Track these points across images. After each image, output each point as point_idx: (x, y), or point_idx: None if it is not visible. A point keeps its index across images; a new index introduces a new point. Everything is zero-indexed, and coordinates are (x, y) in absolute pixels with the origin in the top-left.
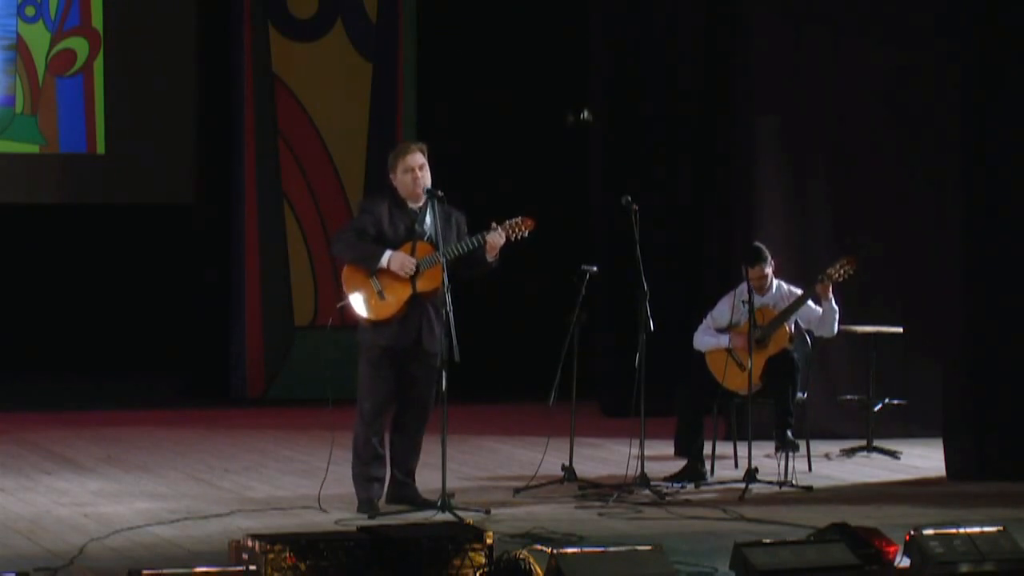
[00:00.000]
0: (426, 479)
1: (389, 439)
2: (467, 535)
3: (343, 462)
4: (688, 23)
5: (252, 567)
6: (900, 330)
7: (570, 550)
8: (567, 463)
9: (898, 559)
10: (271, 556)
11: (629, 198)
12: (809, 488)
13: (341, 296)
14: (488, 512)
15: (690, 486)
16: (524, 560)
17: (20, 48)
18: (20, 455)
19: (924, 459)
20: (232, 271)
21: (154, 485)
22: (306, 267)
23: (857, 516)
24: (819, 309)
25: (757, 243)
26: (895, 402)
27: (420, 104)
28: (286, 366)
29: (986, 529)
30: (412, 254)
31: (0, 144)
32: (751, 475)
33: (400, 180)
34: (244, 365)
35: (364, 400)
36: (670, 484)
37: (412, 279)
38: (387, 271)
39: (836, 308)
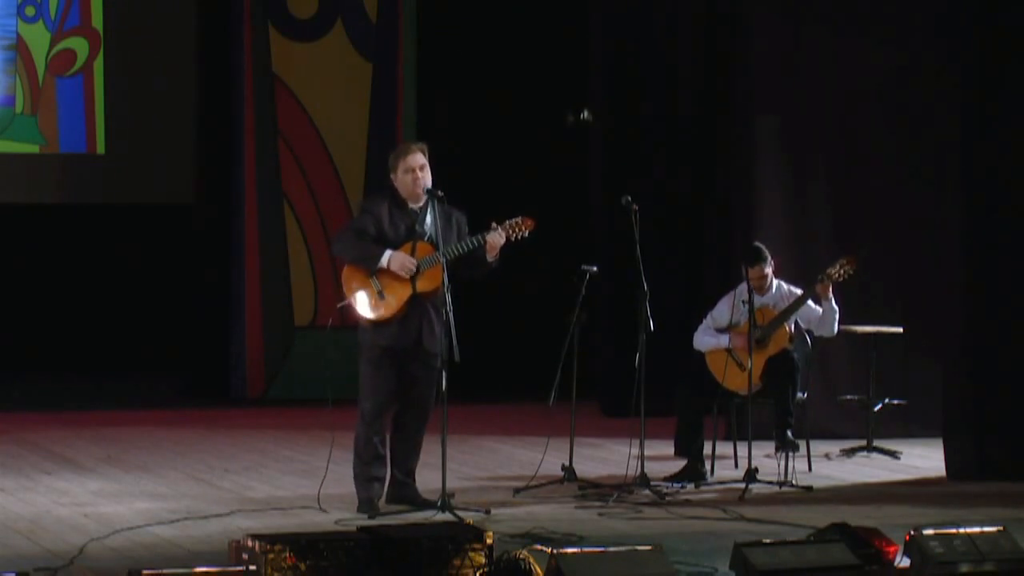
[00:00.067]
0: (426, 479)
1: (389, 439)
2: (467, 535)
3: (343, 462)
4: (688, 23)
5: (252, 567)
6: (900, 330)
7: (570, 550)
8: (567, 463)
9: (898, 559)
10: (271, 556)
11: (629, 198)
12: (809, 488)
13: (341, 296)
14: (488, 512)
15: (690, 486)
16: (524, 560)
17: (20, 48)
18: (20, 455)
19: (924, 459)
20: (232, 271)
21: (154, 485)
22: (306, 267)
23: (857, 516)
24: (819, 309)
25: (757, 243)
26: (895, 402)
27: (420, 104)
28: (286, 366)
29: (986, 529)
30: (412, 254)
31: (0, 144)
32: (751, 475)
33: (401, 180)
34: (244, 365)
35: (365, 400)
36: (670, 484)
37: (412, 279)
38: (387, 271)
39: (836, 308)
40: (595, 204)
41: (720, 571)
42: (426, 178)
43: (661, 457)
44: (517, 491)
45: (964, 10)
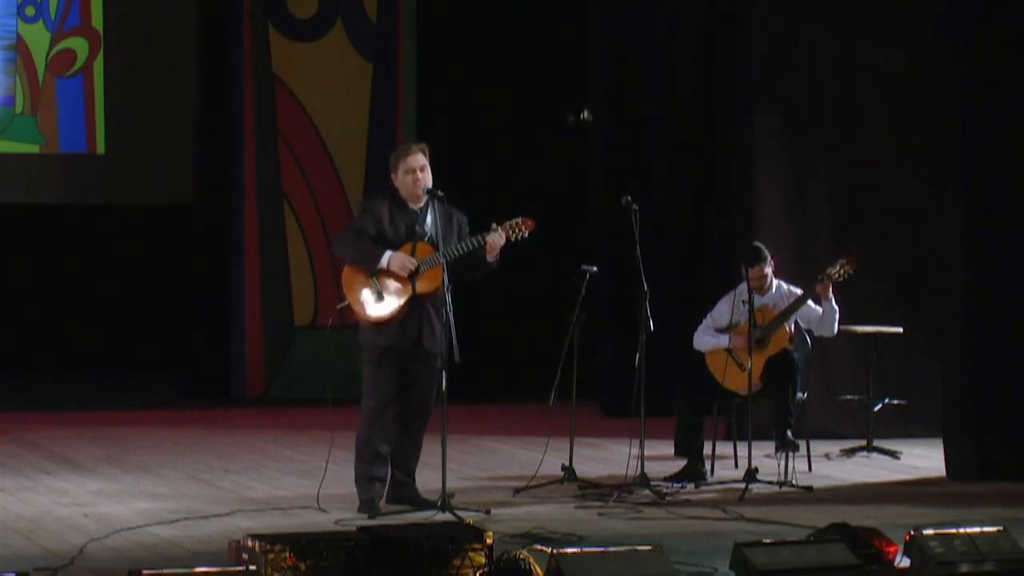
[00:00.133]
0: (426, 479)
1: (390, 439)
2: (467, 535)
3: (342, 462)
4: (688, 23)
5: (252, 567)
6: (900, 330)
7: (570, 550)
8: (567, 463)
9: (898, 559)
10: (271, 556)
11: (629, 198)
12: (809, 488)
13: (341, 296)
14: (488, 512)
15: (690, 486)
16: (524, 560)
17: (20, 48)
18: (20, 455)
19: (924, 459)
20: (232, 271)
21: (154, 485)
22: (306, 267)
23: (857, 516)
24: (819, 309)
25: (757, 243)
26: (895, 402)
27: (420, 104)
28: (286, 366)
29: (986, 529)
30: (412, 255)
31: (0, 144)
32: (751, 475)
33: (401, 181)
34: (244, 365)
35: (367, 400)
36: (670, 484)
37: (412, 280)
38: (387, 272)
39: (836, 308)
40: (595, 204)
41: (720, 571)
42: (426, 179)
43: (661, 457)
44: (517, 491)
45: (964, 10)
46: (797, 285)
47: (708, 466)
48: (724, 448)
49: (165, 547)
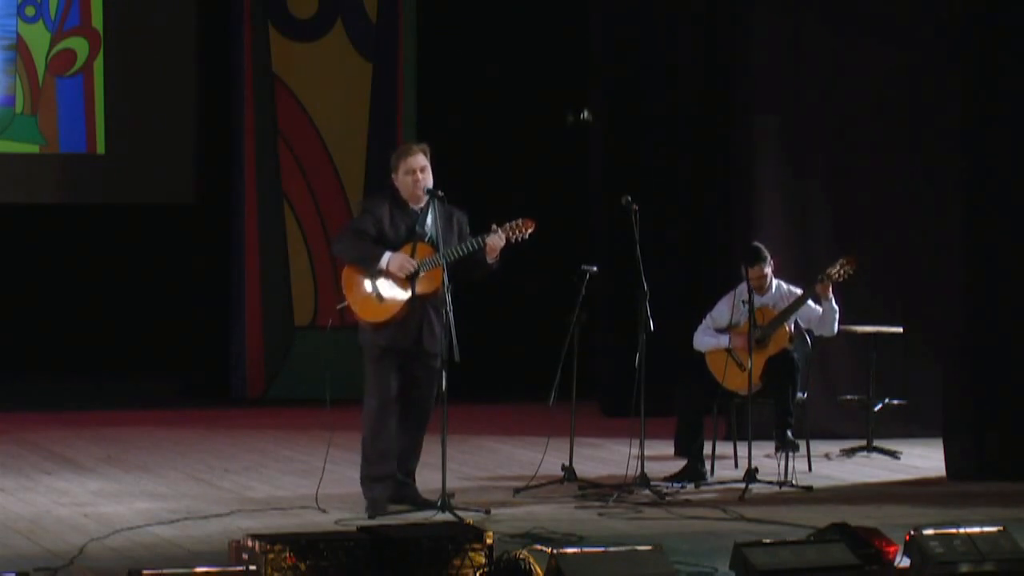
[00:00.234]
0: (426, 479)
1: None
2: (467, 535)
3: (342, 462)
4: (688, 23)
5: (252, 567)
6: (900, 330)
7: (570, 550)
8: (567, 463)
9: (898, 559)
10: (271, 556)
11: (629, 198)
12: (809, 488)
13: (341, 297)
14: (488, 512)
15: (690, 486)
16: (524, 560)
17: (20, 48)
18: (20, 455)
19: (924, 459)
20: (232, 271)
21: (154, 485)
22: (306, 267)
23: (857, 516)
24: (819, 309)
25: (756, 243)
26: (895, 402)
27: (420, 104)
28: (286, 366)
29: (986, 529)
30: (412, 255)
31: (0, 144)
32: (751, 475)
33: (401, 181)
34: (244, 365)
35: (370, 399)
36: (670, 484)
37: (412, 281)
38: (387, 273)
39: (836, 308)
40: (595, 204)
41: (720, 571)
42: (427, 179)
43: (661, 457)
44: (517, 491)
45: (964, 10)
46: (797, 285)
47: (708, 466)
48: (724, 448)
49: (165, 547)
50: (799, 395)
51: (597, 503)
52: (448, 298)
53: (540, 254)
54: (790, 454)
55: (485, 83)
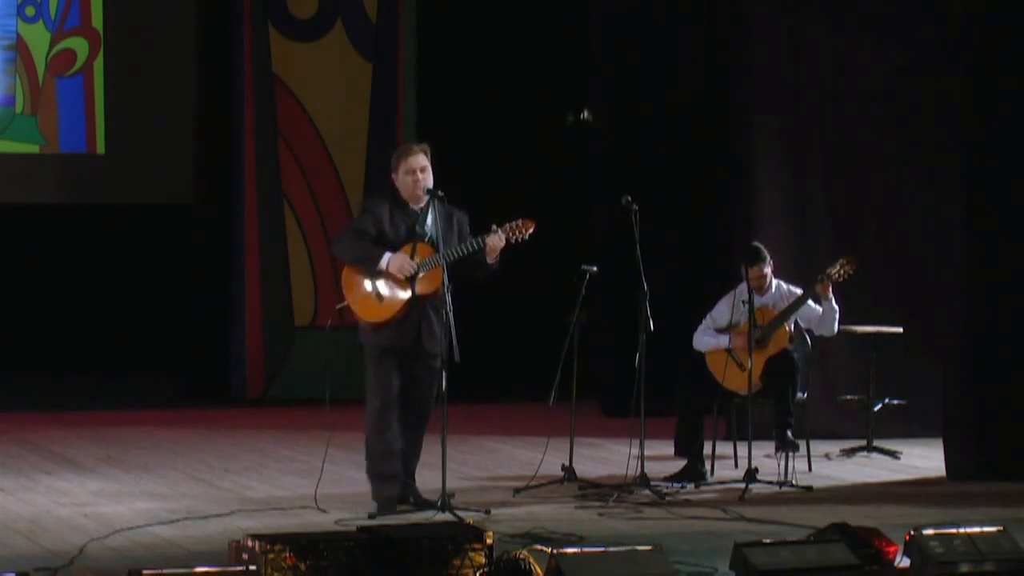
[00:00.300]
0: (426, 479)
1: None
2: (467, 535)
3: (341, 462)
4: (688, 23)
5: (252, 567)
6: (900, 330)
7: (570, 550)
8: (567, 463)
9: (898, 559)
10: (271, 556)
11: (629, 198)
12: (809, 488)
13: (341, 296)
14: (488, 512)
15: (690, 486)
16: (524, 560)
17: (20, 48)
18: (20, 455)
19: (924, 459)
20: (232, 271)
21: (154, 485)
22: (306, 267)
23: (857, 516)
24: (819, 308)
25: (756, 243)
26: (895, 402)
27: (420, 104)
28: (286, 366)
29: (986, 529)
30: (412, 256)
31: (0, 144)
32: (751, 475)
33: (401, 181)
34: (244, 365)
35: (372, 399)
36: (670, 484)
37: (412, 281)
38: (387, 273)
39: (836, 308)
40: (595, 204)
41: (720, 571)
42: (427, 179)
43: (661, 457)
44: (517, 491)
45: (964, 10)
46: (797, 285)
47: (708, 466)
48: (724, 448)
49: (165, 547)
50: (799, 395)
51: (597, 503)
52: (448, 298)
53: (540, 254)
54: (790, 454)
55: (485, 83)
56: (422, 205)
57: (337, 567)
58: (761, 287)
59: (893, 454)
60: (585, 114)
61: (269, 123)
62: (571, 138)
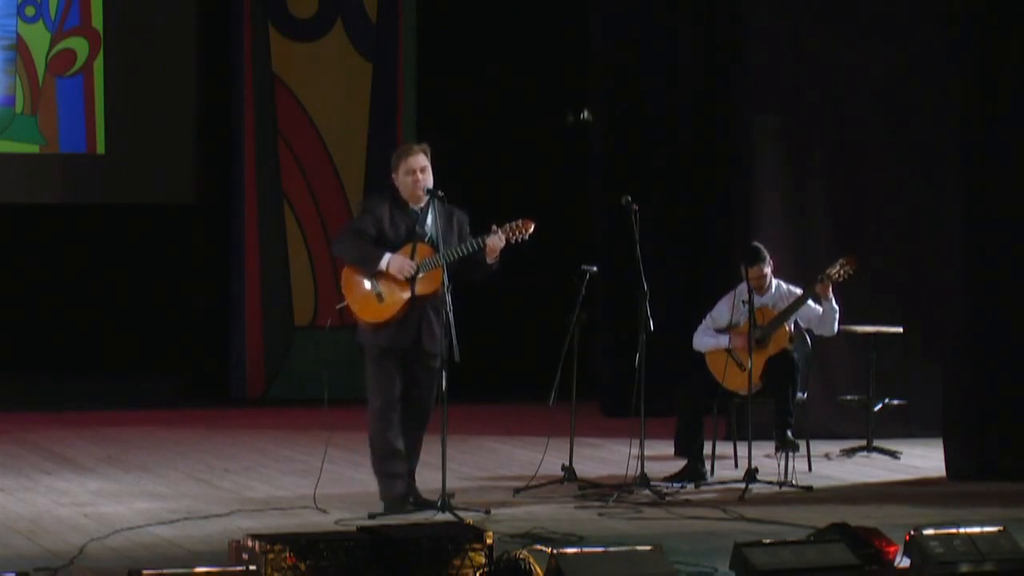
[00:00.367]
0: (426, 479)
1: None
2: (467, 535)
3: (340, 461)
4: (688, 23)
5: (252, 567)
6: (900, 330)
7: (570, 550)
8: (567, 463)
9: (898, 559)
10: (271, 556)
11: (629, 198)
12: (809, 488)
13: (341, 297)
14: (488, 512)
15: (690, 486)
16: (524, 560)
17: (20, 48)
18: (20, 455)
19: (924, 459)
20: (232, 271)
21: (154, 485)
22: (306, 267)
23: (857, 516)
24: (819, 308)
25: (756, 243)
26: (895, 402)
27: (420, 104)
28: (286, 366)
29: (986, 529)
30: (412, 256)
31: (0, 144)
32: (751, 475)
33: (401, 181)
34: (244, 365)
35: (375, 398)
36: (670, 484)
37: (412, 282)
38: (387, 274)
39: (836, 308)
40: (595, 204)
41: (720, 571)
42: (427, 180)
43: (661, 457)
44: (517, 491)
45: (964, 10)
46: (797, 285)
47: (708, 466)
48: (724, 448)
49: (165, 547)
50: (799, 395)
51: (597, 503)
52: (448, 298)
53: (540, 254)
54: (790, 454)
55: (485, 83)
56: (422, 205)
57: (337, 567)
58: (761, 287)
59: (893, 454)
60: (585, 114)
61: (269, 123)
62: (571, 138)
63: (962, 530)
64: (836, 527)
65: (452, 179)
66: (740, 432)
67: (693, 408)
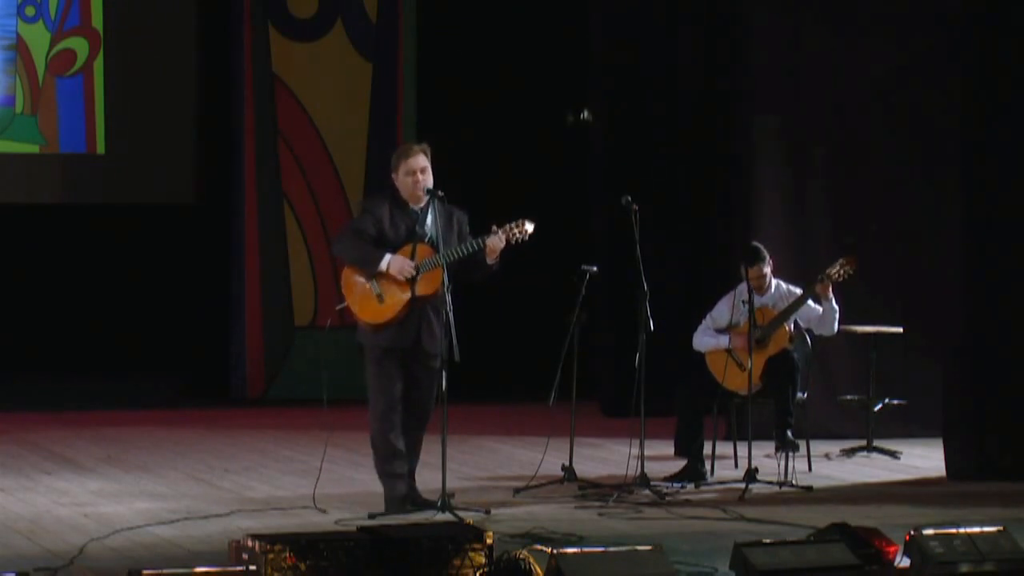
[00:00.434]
0: (426, 479)
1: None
2: (467, 535)
3: (340, 461)
4: (688, 23)
5: (252, 567)
6: (900, 330)
7: (570, 550)
8: (567, 463)
9: (898, 559)
10: (271, 556)
11: (629, 198)
12: (809, 488)
13: (341, 297)
14: (488, 512)
15: (690, 486)
16: (524, 560)
17: (20, 48)
18: (20, 455)
19: (924, 459)
20: (232, 271)
21: (154, 485)
22: (306, 267)
23: (857, 516)
24: (819, 309)
25: (755, 243)
26: (895, 402)
27: (420, 104)
28: (286, 366)
29: (986, 529)
30: (412, 256)
31: (0, 144)
32: (751, 475)
33: (401, 182)
34: (244, 365)
35: (376, 399)
36: (670, 484)
37: (411, 282)
38: (387, 274)
39: (836, 307)
40: (595, 204)
41: (720, 571)
42: (427, 180)
43: (661, 457)
44: (517, 491)
45: (964, 10)
46: (797, 285)
47: (708, 466)
48: (724, 448)
49: (165, 547)
50: (799, 395)
51: (597, 503)
52: (448, 298)
53: (540, 254)
54: (790, 454)
55: (485, 83)
56: (422, 205)
57: (337, 567)
58: (761, 287)
59: (893, 454)
60: (585, 114)
61: (269, 123)
62: (571, 138)
63: (962, 530)
64: (836, 527)
65: (452, 179)
66: (740, 432)
67: (693, 408)
